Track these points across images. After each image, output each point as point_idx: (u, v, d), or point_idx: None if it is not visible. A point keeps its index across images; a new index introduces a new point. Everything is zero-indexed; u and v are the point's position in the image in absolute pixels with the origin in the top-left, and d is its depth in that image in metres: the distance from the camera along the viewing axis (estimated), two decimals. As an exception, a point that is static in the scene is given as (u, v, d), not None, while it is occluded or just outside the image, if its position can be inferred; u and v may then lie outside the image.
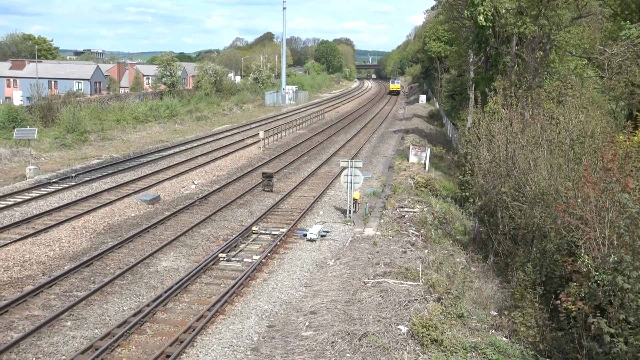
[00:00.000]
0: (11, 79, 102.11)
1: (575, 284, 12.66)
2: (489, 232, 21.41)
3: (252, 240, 22.41)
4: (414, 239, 21.99)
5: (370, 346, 13.07)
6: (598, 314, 11.96)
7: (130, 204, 26.91)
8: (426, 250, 20.56)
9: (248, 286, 17.81)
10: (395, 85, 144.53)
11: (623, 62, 29.26)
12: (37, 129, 36.93)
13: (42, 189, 29.21)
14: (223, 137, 51.36)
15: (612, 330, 11.64)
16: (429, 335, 13.30)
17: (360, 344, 13.17)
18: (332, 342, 13.33)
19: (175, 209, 26.63)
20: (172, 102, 65.44)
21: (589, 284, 12.17)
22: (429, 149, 39.32)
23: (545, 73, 33.42)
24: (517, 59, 33.58)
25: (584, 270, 12.34)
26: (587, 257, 12.42)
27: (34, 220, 23.88)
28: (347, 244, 22.09)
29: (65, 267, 18.98)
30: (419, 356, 12.90)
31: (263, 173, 31.98)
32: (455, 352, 13.17)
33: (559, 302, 12.94)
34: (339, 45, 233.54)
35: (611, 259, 12.05)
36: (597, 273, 12.06)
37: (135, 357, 13.49)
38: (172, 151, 42.59)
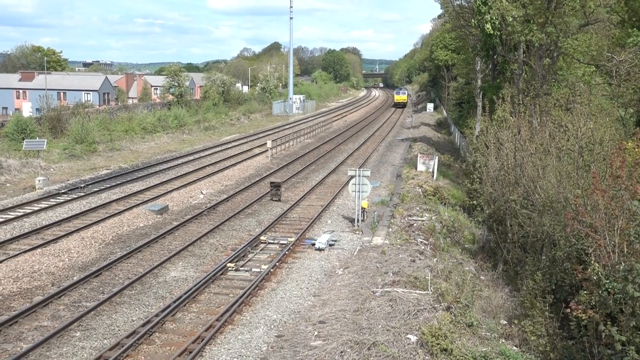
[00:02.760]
0: (20, 91, 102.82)
1: (585, 292, 12.57)
2: (498, 241, 21.32)
3: (261, 250, 22.40)
4: (423, 247, 21.93)
5: (380, 356, 13.01)
6: (609, 322, 11.87)
7: (139, 214, 26.98)
8: (435, 259, 20.50)
9: (257, 296, 17.80)
10: (400, 97, 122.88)
11: (631, 69, 29.16)
12: (46, 140, 37.18)
13: (51, 200, 29.36)
14: (231, 147, 51.50)
15: (624, 339, 11.55)
16: (438, 344, 13.23)
17: (369, 353, 13.11)
18: (341, 352, 13.28)
19: (184, 219, 26.68)
20: (180, 112, 65.73)
21: (600, 292, 12.09)
22: (436, 157, 39.26)
23: (553, 80, 33.37)
24: (524, 67, 33.52)
25: (594, 278, 12.26)
26: (597, 265, 12.34)
27: (44, 231, 23.97)
28: (356, 253, 22.04)
29: (75, 278, 19.03)
30: (429, 366, 12.83)
31: (271, 182, 32.02)
32: (465, 362, 13.08)
33: (569, 310, 12.85)
34: (346, 54, 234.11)
35: (621, 267, 11.96)
36: (607, 281, 11.97)
37: (144, 368, 13.49)
38: (180, 161, 42.73)
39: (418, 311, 15.30)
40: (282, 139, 51.68)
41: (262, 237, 23.59)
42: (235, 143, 54.52)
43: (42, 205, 28.03)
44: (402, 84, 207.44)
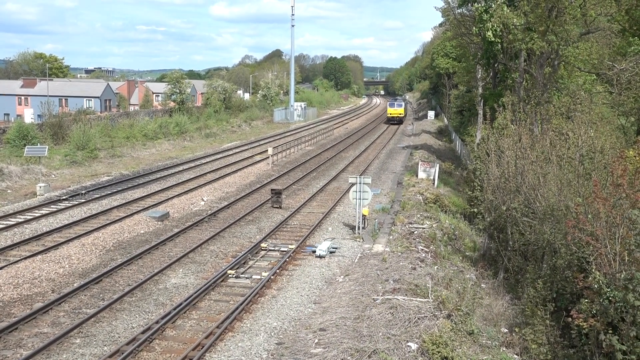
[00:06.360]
0: (22, 97, 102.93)
1: (586, 300, 12.56)
2: (499, 248, 21.31)
3: (261, 257, 22.38)
4: (424, 255, 21.91)
5: (380, 364, 12.97)
6: (610, 331, 11.85)
7: (140, 220, 26.98)
8: (436, 267, 20.47)
9: (257, 303, 17.77)
10: (395, 110, 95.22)
11: (632, 78, 29.21)
12: (47, 147, 37.20)
13: (52, 206, 29.35)
14: (232, 154, 51.53)
15: (624, 348, 11.52)
16: (439, 352, 13.20)
17: (369, 361, 13.07)
18: (342, 359, 13.26)
19: (184, 225, 26.67)
20: (182, 119, 65.83)
21: (601, 300, 12.07)
22: (437, 165, 39.27)
23: (554, 88, 33.40)
24: (525, 75, 33.58)
25: (595, 286, 12.25)
26: (598, 273, 12.33)
27: (44, 238, 23.97)
28: (356, 260, 22.02)
29: (75, 284, 19.01)
30: (429, 374, 12.79)
31: (272, 189, 32.01)
32: (465, 370, 13.05)
33: (570, 319, 12.83)
34: (347, 62, 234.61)
35: (622, 276, 11.95)
36: (608, 289, 11.96)
37: (144, 375, 13.45)
38: (181, 168, 42.75)
39: (419, 319, 15.27)
40: (283, 146, 51.73)
41: (262, 244, 23.57)
42: (236, 150, 54.55)
43: (43, 212, 28.03)
44: (403, 92, 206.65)
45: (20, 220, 26.41)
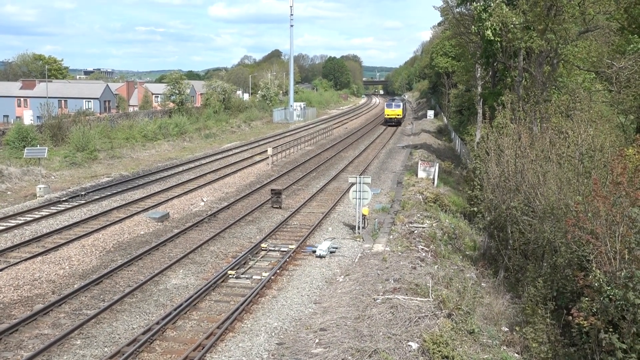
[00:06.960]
0: (22, 99, 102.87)
1: (586, 299, 12.56)
2: (499, 247, 21.31)
3: (261, 257, 22.38)
4: (424, 254, 21.90)
5: (381, 363, 12.97)
6: (611, 330, 11.85)
7: (140, 221, 26.98)
8: (436, 266, 20.47)
9: (257, 303, 17.77)
10: (393, 111, 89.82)
11: (631, 76, 29.20)
12: (47, 148, 37.20)
13: (52, 208, 29.35)
14: (231, 155, 51.53)
15: (625, 346, 11.52)
16: (439, 351, 13.20)
17: (370, 361, 13.07)
18: (342, 359, 13.25)
19: (185, 226, 26.67)
20: (181, 120, 65.84)
21: (601, 299, 12.08)
22: (437, 164, 39.26)
23: (553, 87, 33.38)
24: (524, 74, 33.56)
25: (596, 285, 12.25)
26: (598, 271, 12.33)
27: (44, 239, 23.96)
28: (357, 260, 22.02)
29: (75, 286, 19.01)
30: (430, 373, 12.79)
31: (272, 190, 32.01)
32: (466, 369, 13.04)
33: (570, 317, 12.84)
34: (346, 61, 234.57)
35: (622, 274, 11.95)
36: (608, 288, 11.97)
37: (144, 376, 13.44)
38: (180, 169, 42.75)
39: (419, 318, 15.27)
40: (282, 147, 51.73)
41: (262, 245, 23.57)
42: (236, 150, 54.56)
43: (43, 213, 28.03)
44: (403, 91, 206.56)
45: (20, 221, 26.41)
